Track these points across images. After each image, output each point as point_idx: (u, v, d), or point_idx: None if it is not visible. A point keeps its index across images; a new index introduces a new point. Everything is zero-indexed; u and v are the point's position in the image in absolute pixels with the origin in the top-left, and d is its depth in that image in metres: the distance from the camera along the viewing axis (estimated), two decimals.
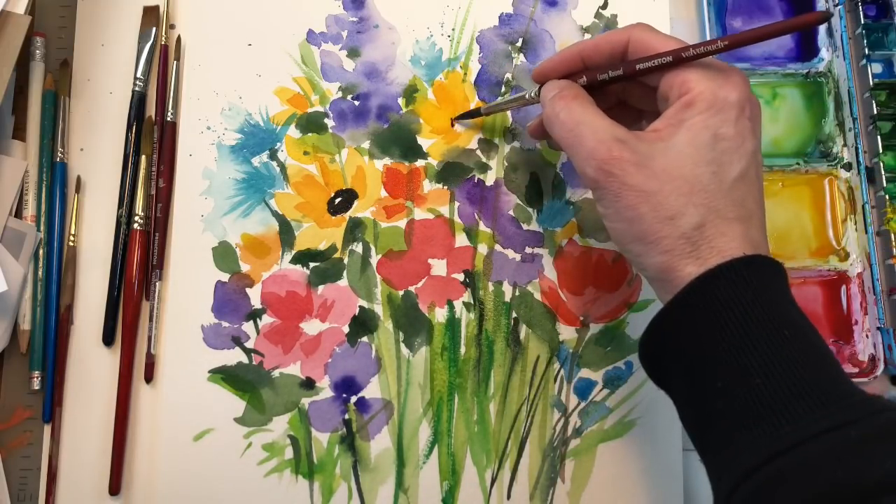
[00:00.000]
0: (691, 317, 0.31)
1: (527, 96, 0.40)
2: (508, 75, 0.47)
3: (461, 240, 0.45)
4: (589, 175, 0.33)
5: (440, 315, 0.44)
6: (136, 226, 0.44)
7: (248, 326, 0.44)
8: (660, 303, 0.44)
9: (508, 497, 0.43)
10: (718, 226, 0.31)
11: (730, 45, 0.33)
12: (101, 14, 0.48)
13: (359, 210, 0.45)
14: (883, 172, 0.46)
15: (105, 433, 0.43)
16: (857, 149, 0.46)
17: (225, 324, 0.44)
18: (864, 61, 0.47)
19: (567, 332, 0.44)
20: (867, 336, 0.44)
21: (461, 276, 0.45)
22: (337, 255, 0.45)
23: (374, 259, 0.45)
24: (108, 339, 0.44)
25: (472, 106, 0.46)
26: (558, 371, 0.44)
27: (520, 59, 0.47)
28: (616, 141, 0.33)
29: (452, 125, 0.46)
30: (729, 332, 0.30)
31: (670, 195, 0.32)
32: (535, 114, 0.46)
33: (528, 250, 0.45)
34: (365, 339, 0.44)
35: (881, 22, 0.48)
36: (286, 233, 0.45)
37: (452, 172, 0.46)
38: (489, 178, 0.46)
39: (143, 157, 0.45)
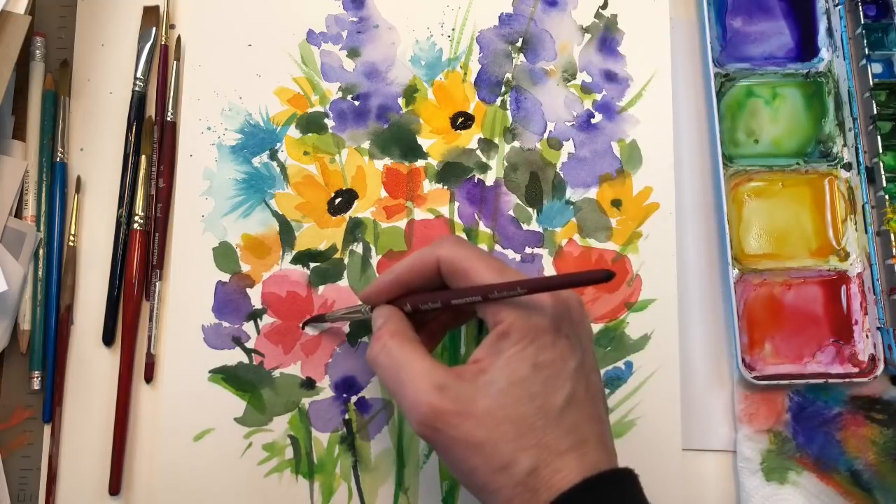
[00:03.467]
0: None
1: (362, 311, 0.39)
2: (508, 75, 0.47)
3: None
4: (415, 429, 0.33)
5: None
6: (136, 226, 0.44)
7: (248, 326, 0.44)
8: (661, 302, 0.44)
9: None
10: (552, 464, 0.31)
11: (529, 292, 0.32)
12: (101, 14, 0.48)
13: (359, 210, 0.45)
14: (883, 172, 0.46)
15: (105, 433, 0.43)
16: (857, 149, 0.46)
17: (225, 324, 0.44)
18: (864, 61, 0.47)
19: None
20: (867, 336, 0.44)
21: None
22: (337, 255, 0.45)
23: (375, 259, 0.45)
24: (108, 339, 0.44)
25: (472, 107, 0.46)
26: None
27: (520, 59, 0.47)
28: (436, 390, 0.32)
29: (302, 328, 0.44)
30: None
31: (498, 443, 0.31)
32: (536, 114, 0.47)
33: (528, 250, 0.45)
34: (365, 339, 0.44)
35: (881, 22, 0.48)
36: (286, 233, 0.45)
37: (452, 172, 0.46)
38: (489, 178, 0.46)
39: (143, 157, 0.45)
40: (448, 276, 0.35)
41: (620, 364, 0.44)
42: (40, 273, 0.44)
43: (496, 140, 0.46)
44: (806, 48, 0.48)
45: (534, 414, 0.31)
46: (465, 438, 0.31)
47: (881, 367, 0.44)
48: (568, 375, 0.32)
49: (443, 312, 0.38)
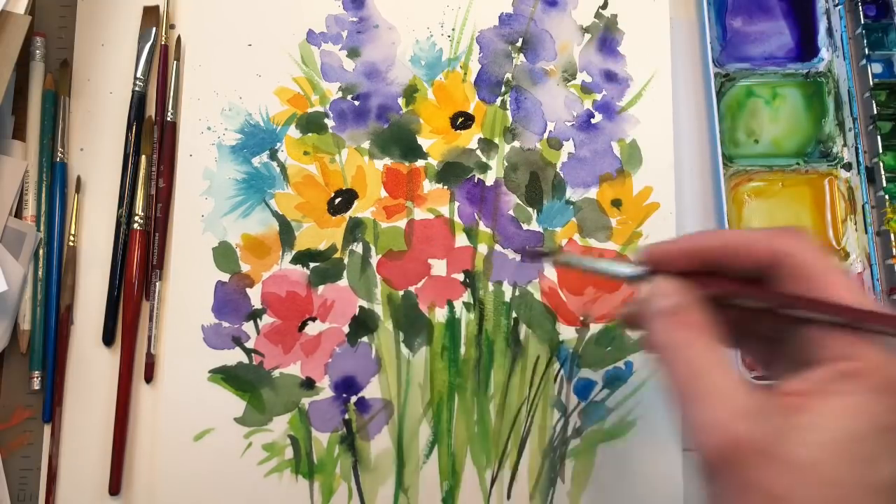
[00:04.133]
0: None
1: (628, 272, 0.31)
2: (508, 75, 0.47)
3: (461, 240, 0.45)
4: (701, 455, 0.26)
5: (440, 315, 0.44)
6: (136, 226, 0.44)
7: (248, 326, 0.44)
8: None
9: (508, 497, 0.43)
10: None
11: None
12: (101, 14, 0.48)
13: (359, 210, 0.45)
14: (883, 172, 0.46)
15: (105, 433, 0.43)
16: (857, 149, 0.46)
17: (225, 324, 0.44)
18: (864, 61, 0.47)
19: (567, 332, 0.44)
20: None
21: (461, 277, 0.45)
22: (337, 255, 0.45)
23: (374, 259, 0.45)
24: (108, 339, 0.44)
25: (472, 107, 0.46)
26: (558, 371, 0.44)
27: (520, 59, 0.47)
28: (744, 416, 0.26)
29: (523, 257, 0.41)
30: None
31: None
32: (536, 114, 0.47)
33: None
34: (365, 339, 0.44)
35: (881, 22, 0.48)
36: (286, 233, 0.45)
37: (452, 172, 0.46)
38: (489, 178, 0.46)
39: (143, 157, 0.45)
40: (785, 276, 0.29)
41: (620, 364, 0.44)
42: (40, 273, 0.44)
43: (496, 140, 0.46)
44: (806, 48, 0.48)
45: (853, 483, 0.25)
46: (762, 486, 0.25)
47: None
48: None
49: (741, 314, 0.31)
